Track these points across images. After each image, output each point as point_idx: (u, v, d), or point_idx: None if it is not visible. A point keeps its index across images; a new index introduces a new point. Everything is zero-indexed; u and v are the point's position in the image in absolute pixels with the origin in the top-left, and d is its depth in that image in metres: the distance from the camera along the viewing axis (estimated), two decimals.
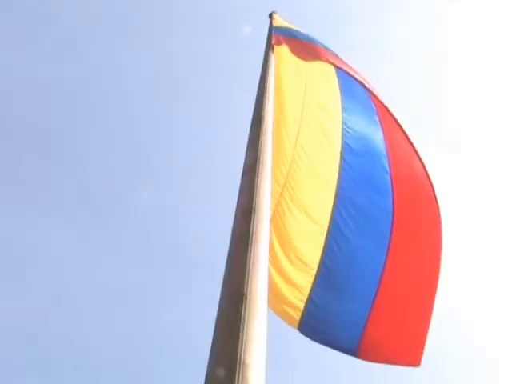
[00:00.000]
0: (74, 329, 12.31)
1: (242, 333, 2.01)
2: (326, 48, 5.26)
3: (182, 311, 12.39)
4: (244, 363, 1.89)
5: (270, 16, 5.36)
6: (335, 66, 5.17)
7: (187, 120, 14.21)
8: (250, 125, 3.45)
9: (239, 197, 2.75)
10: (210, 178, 14.13)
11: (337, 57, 5.17)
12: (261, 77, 4.28)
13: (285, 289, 4.45)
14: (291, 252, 4.49)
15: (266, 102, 3.79)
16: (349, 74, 5.11)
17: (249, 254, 2.35)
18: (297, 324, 4.47)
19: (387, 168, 4.88)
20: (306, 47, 5.17)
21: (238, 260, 2.36)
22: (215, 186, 13.29)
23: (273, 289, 4.25)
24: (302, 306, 4.46)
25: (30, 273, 12.87)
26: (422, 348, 4.37)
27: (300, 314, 4.47)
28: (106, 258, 12.98)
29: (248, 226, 2.48)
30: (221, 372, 1.88)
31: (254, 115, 3.58)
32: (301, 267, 4.51)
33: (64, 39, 13.84)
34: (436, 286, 4.54)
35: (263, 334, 2.10)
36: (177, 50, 14.46)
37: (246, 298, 2.16)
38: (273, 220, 4.34)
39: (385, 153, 4.95)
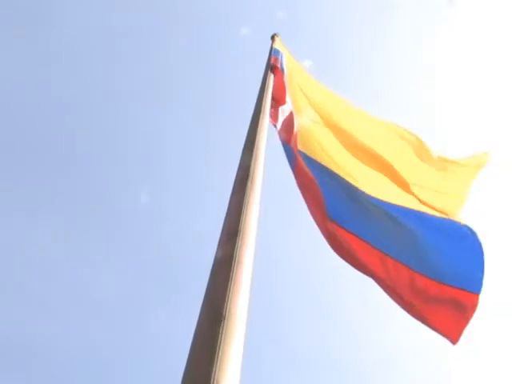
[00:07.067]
0: (63, 336, 12.21)
1: (218, 355, 2.00)
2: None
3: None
4: None
5: (272, 38, 5.39)
6: None
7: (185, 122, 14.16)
8: (243, 147, 3.45)
9: (225, 218, 2.74)
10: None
11: None
12: (258, 96, 4.28)
13: None
14: None
15: (261, 122, 3.78)
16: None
17: (231, 276, 2.35)
18: None
19: None
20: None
21: (219, 280, 2.35)
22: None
23: None
24: None
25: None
26: None
27: None
28: (94, 264, 12.90)
29: (232, 248, 2.47)
30: None
31: (247, 136, 3.57)
32: None
33: (63, 37, 13.82)
34: None
35: (239, 357, 2.09)
36: (178, 49, 14.47)
37: (224, 319, 2.15)
38: None
39: None
